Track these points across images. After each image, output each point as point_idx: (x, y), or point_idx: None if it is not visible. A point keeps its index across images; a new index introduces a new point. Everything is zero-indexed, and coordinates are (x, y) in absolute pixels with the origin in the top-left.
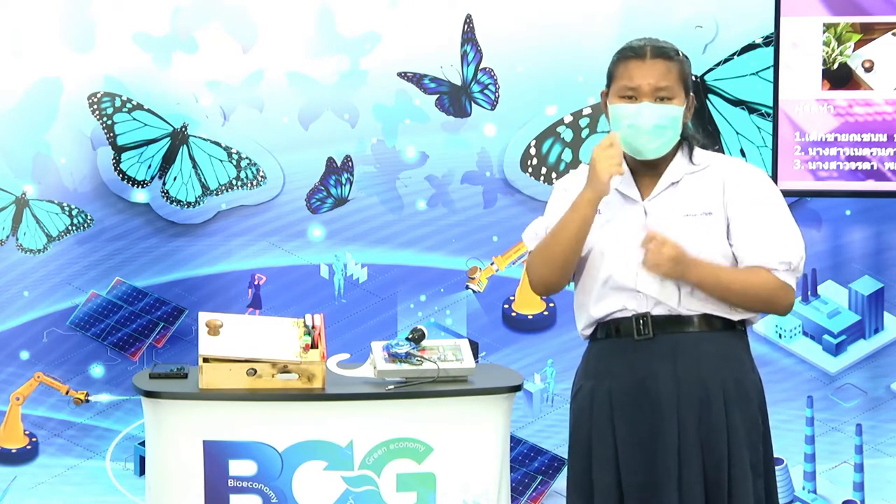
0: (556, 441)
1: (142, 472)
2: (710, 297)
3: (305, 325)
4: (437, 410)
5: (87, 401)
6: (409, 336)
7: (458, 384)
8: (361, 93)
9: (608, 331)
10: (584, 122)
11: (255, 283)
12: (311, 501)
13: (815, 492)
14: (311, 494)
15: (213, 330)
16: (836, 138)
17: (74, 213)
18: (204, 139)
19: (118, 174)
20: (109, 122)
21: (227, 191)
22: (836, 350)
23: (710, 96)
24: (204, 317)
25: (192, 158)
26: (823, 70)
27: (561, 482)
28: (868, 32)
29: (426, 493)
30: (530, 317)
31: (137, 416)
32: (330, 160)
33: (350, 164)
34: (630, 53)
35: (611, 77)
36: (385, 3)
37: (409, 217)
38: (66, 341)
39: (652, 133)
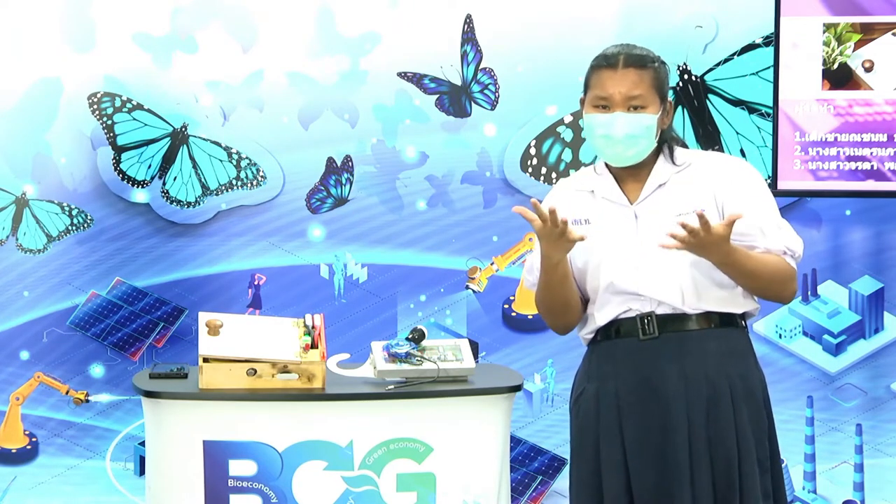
0: (556, 441)
1: (142, 472)
2: (710, 294)
3: (305, 325)
4: (437, 410)
5: (87, 401)
6: (409, 336)
7: (458, 384)
8: (361, 93)
9: (609, 332)
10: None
11: (255, 283)
12: (311, 501)
13: (815, 492)
14: (311, 494)
15: (213, 330)
16: (836, 138)
17: (74, 213)
18: (204, 139)
19: (118, 174)
20: (109, 122)
21: (227, 191)
22: (837, 350)
23: (710, 96)
24: (204, 317)
25: (192, 158)
26: (823, 70)
27: (561, 482)
28: (868, 32)
29: (426, 493)
30: (530, 317)
31: (137, 416)
32: (330, 160)
33: (350, 164)
34: (603, 63)
35: (586, 86)
36: (385, 3)
37: (409, 217)
38: (66, 341)
39: (625, 142)
